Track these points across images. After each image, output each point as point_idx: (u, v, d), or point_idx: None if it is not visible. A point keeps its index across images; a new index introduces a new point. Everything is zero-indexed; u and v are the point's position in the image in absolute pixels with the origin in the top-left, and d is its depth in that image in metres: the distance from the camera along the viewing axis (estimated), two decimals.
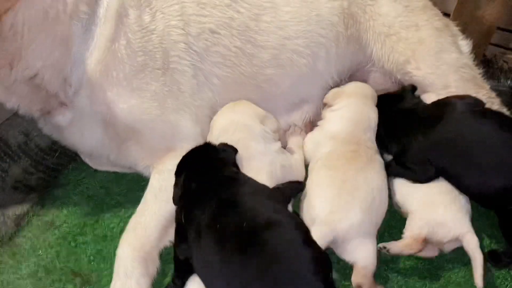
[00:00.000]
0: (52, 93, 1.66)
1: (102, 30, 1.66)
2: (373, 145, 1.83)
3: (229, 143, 1.70)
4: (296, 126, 1.99)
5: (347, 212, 1.56)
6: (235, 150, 1.66)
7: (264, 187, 1.59)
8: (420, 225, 1.63)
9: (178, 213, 1.56)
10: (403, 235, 1.65)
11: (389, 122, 1.89)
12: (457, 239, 1.62)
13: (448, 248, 1.66)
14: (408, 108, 1.89)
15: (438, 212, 1.65)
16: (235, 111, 1.82)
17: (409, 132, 1.82)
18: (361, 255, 1.55)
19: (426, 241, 1.62)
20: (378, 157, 1.80)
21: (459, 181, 1.69)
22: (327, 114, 1.93)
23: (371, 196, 1.62)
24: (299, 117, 2.04)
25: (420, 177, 1.74)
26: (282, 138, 1.97)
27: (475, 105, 1.81)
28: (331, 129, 1.86)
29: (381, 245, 1.62)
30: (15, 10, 1.45)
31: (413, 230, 1.63)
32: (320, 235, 1.49)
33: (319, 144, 1.85)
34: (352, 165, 1.68)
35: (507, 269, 1.68)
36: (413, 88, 1.96)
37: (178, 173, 1.61)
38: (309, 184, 1.72)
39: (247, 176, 1.62)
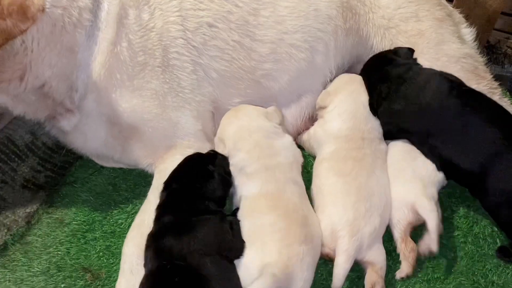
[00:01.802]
0: (58, 100, 1.68)
1: (105, 34, 1.66)
2: (377, 133, 1.83)
3: (249, 148, 1.69)
4: None
5: (369, 218, 1.59)
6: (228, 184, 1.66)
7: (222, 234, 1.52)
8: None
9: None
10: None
11: (379, 85, 1.86)
12: (416, 210, 1.63)
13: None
14: (398, 74, 1.83)
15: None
16: (239, 117, 1.80)
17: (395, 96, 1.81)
18: (378, 256, 1.60)
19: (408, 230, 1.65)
20: (383, 147, 1.81)
21: (433, 151, 1.72)
22: (325, 115, 1.91)
23: (384, 199, 1.66)
24: (298, 113, 2.02)
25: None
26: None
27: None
28: (332, 128, 1.85)
29: (402, 276, 1.63)
30: None
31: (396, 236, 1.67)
32: (351, 242, 1.53)
33: (322, 142, 1.84)
34: (361, 167, 1.68)
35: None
36: (410, 50, 1.90)
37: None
38: (317, 192, 1.72)
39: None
